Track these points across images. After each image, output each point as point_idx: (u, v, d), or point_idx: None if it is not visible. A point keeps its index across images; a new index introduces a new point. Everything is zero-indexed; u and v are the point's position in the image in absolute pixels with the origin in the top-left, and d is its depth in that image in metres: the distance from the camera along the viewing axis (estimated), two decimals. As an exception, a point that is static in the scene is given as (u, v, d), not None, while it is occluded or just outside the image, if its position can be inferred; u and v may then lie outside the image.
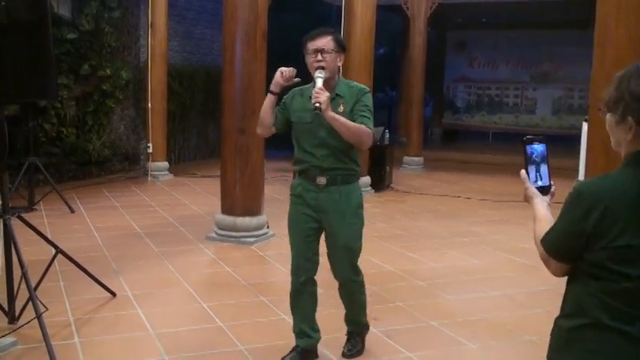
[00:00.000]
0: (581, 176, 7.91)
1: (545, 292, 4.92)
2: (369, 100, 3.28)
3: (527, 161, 1.88)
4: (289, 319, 4.15)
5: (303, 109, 3.29)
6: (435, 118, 19.14)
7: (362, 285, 3.54)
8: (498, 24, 17.44)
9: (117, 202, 8.21)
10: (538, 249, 1.75)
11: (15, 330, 3.69)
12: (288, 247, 6.14)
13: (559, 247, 1.69)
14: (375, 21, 8.77)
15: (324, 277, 3.57)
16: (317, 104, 3.04)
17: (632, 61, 2.77)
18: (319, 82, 3.13)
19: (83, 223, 6.91)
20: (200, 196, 8.81)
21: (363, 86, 3.35)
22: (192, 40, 12.62)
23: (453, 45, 18.52)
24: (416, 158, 12.33)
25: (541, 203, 1.87)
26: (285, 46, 16.63)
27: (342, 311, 3.62)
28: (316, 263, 3.43)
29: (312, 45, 3.23)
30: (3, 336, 3.56)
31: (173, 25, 11.14)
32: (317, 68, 3.19)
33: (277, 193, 9.00)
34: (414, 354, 3.68)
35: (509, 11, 15.27)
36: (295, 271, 3.43)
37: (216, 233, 6.25)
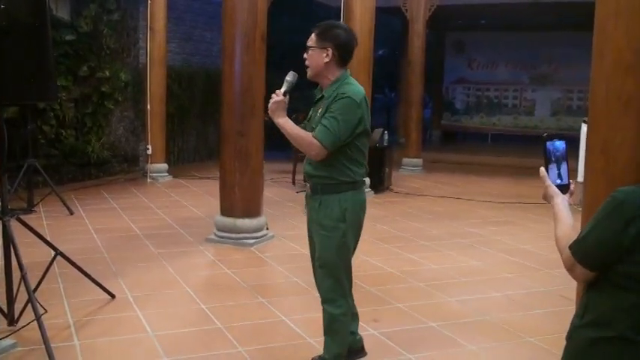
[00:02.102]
0: (580, 177, 7.91)
1: (544, 293, 4.92)
2: (339, 106, 2.93)
3: (548, 159, 1.84)
4: (289, 321, 4.16)
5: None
6: (434, 119, 19.15)
7: (336, 321, 3.17)
8: (497, 26, 17.47)
9: (116, 203, 8.21)
10: (562, 252, 1.71)
11: (14, 332, 3.69)
12: (288, 248, 6.18)
13: (591, 256, 1.64)
14: (374, 23, 8.78)
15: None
16: (269, 110, 3.03)
17: (631, 63, 2.78)
18: (283, 86, 3.07)
19: (82, 224, 6.91)
20: (199, 198, 8.80)
21: (344, 91, 2.98)
22: (192, 42, 12.63)
23: (451, 46, 18.54)
24: (415, 160, 12.34)
25: (562, 203, 1.83)
26: (284, 48, 16.68)
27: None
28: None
29: None
30: (2, 338, 3.55)
31: (172, 27, 11.14)
32: (307, 67, 3.11)
33: (277, 195, 9.01)
34: (414, 355, 3.68)
35: (508, 13, 15.29)
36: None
37: (216, 235, 6.25)
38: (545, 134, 1.85)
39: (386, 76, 20.68)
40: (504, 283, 5.25)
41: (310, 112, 3.22)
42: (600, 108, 2.86)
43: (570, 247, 1.69)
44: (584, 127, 9.31)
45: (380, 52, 20.58)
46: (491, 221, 7.80)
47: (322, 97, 3.08)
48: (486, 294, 4.94)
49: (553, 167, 1.85)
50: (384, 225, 7.21)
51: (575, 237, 1.70)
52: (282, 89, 3.04)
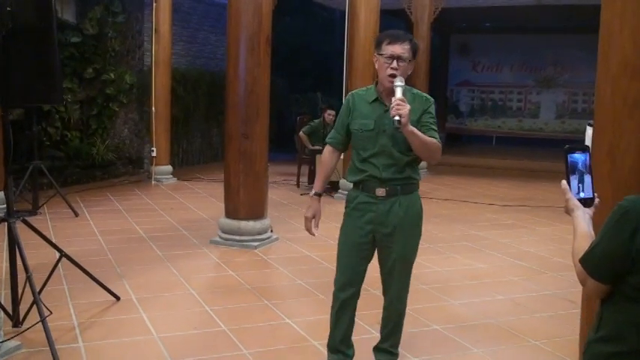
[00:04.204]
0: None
1: (550, 297, 4.91)
2: (434, 110, 3.19)
3: (569, 171, 1.80)
4: (293, 323, 4.16)
5: (365, 115, 3.14)
6: (438, 122, 19.07)
7: (403, 315, 3.39)
8: (502, 28, 17.45)
9: (121, 205, 8.23)
10: (575, 267, 1.67)
11: (19, 333, 3.69)
12: (292, 250, 6.16)
13: (600, 268, 1.60)
14: (378, 25, 8.78)
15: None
16: (397, 117, 2.86)
17: (636, 66, 2.78)
18: (399, 92, 2.95)
19: (87, 226, 6.92)
20: (204, 200, 8.81)
21: (428, 96, 3.20)
22: (196, 45, 12.66)
23: (456, 49, 18.54)
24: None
25: (582, 217, 1.77)
26: (289, 50, 16.70)
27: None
28: (363, 278, 3.31)
29: (390, 49, 3.07)
30: (7, 339, 3.55)
31: (177, 29, 11.17)
32: (390, 75, 3.04)
33: (281, 197, 9.01)
34: (418, 358, 3.67)
35: (513, 15, 15.28)
36: (341, 287, 3.27)
37: (220, 237, 6.26)
38: (567, 146, 1.80)
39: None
40: (510, 286, 5.23)
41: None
42: (606, 111, 2.86)
43: (581, 260, 1.64)
44: (589, 130, 9.27)
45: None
46: (497, 224, 7.78)
47: None
48: (492, 297, 4.92)
49: (575, 179, 1.80)
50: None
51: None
52: (400, 95, 2.96)
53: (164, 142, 10.38)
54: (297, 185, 10.23)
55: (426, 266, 5.72)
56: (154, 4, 9.91)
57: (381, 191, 3.12)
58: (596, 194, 1.83)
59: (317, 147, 9.93)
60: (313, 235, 3.26)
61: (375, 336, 3.87)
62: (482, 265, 5.86)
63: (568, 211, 1.82)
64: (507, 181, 11.77)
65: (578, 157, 1.80)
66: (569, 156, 1.80)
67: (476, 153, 16.08)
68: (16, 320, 3.82)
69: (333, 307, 3.32)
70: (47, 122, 8.95)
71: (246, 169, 6.08)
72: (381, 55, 3.10)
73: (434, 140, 3.06)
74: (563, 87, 17.31)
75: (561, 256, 6.14)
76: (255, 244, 6.13)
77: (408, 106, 2.89)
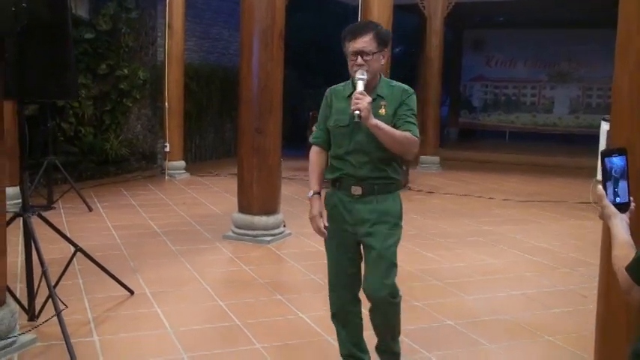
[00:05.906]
0: (599, 176, 7.86)
1: (563, 292, 4.89)
2: (413, 102, 3.00)
3: (606, 176, 1.74)
4: (307, 318, 4.17)
5: (341, 111, 3.00)
6: (451, 117, 19.07)
7: (398, 307, 3.15)
8: (516, 23, 17.34)
9: (134, 200, 8.27)
10: (618, 275, 1.63)
11: (35, 327, 3.73)
12: (305, 245, 6.18)
13: None
14: (392, 20, 8.75)
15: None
16: (357, 112, 2.75)
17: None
18: (360, 86, 2.83)
19: (101, 221, 6.97)
20: (217, 195, 8.84)
21: (406, 87, 3.03)
22: (209, 41, 12.69)
23: (469, 44, 18.45)
24: (432, 158, 12.31)
25: (620, 224, 1.72)
26: (302, 45, 16.69)
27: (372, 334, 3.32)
28: (359, 280, 3.13)
29: (352, 46, 2.93)
30: (23, 333, 3.59)
31: (190, 25, 11.19)
32: (357, 71, 2.92)
33: (294, 193, 9.02)
34: (432, 354, 3.67)
35: (527, 10, 15.17)
36: (334, 289, 3.15)
37: (233, 232, 6.28)
38: (603, 149, 1.75)
39: (403, 74, 20.60)
40: (522, 281, 5.21)
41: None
42: (623, 106, 2.83)
43: (627, 268, 1.60)
44: (603, 125, 9.22)
45: (397, 50, 20.51)
46: (509, 219, 7.75)
47: (378, 96, 2.97)
48: (504, 292, 4.91)
49: (611, 185, 1.75)
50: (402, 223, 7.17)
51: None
52: (362, 89, 2.84)
53: (177, 137, 10.42)
54: (310, 180, 10.23)
55: (438, 261, 5.71)
56: (167, 0, 9.94)
57: (357, 189, 3.00)
58: (631, 198, 1.77)
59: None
60: (325, 233, 3.09)
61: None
62: (495, 260, 5.84)
63: (604, 217, 1.78)
64: (520, 176, 11.71)
65: (615, 161, 1.75)
66: (606, 160, 1.73)
67: (489, 148, 16.00)
68: (31, 314, 3.86)
69: (332, 312, 3.20)
70: (61, 118, 9.01)
71: (260, 164, 6.10)
72: (347, 54, 2.99)
73: (405, 134, 2.89)
74: (577, 82, 17.20)
75: (574, 252, 6.11)
76: (269, 238, 6.15)
77: (367, 99, 2.79)
